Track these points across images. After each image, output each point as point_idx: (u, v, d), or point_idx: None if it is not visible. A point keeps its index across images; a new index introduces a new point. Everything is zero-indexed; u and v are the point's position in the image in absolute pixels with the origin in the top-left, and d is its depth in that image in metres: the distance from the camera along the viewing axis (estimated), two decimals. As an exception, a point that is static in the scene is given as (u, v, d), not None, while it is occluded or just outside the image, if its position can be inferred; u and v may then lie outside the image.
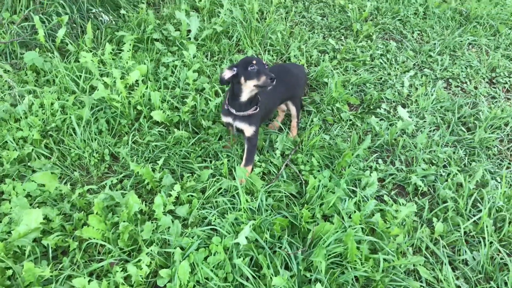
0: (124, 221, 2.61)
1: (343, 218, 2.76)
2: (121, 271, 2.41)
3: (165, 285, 2.43)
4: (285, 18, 5.29)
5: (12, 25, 4.15)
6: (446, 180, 3.20)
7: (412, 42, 5.08)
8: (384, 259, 2.56)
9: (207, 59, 4.30)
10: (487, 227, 2.77)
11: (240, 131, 3.09)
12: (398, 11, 5.66)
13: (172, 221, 2.70)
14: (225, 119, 3.13)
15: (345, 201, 2.88)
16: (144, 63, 3.93)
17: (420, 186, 3.15)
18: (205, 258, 2.52)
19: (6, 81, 3.61)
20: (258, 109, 3.00)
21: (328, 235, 2.54)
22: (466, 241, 2.85)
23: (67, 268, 2.45)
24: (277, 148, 3.36)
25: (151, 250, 2.53)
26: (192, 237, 2.63)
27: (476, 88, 4.40)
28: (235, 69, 2.87)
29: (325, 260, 2.43)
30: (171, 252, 2.56)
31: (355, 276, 2.51)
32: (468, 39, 5.17)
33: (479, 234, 2.84)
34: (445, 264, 2.61)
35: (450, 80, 4.49)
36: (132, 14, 4.64)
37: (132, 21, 4.51)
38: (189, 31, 4.47)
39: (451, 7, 5.76)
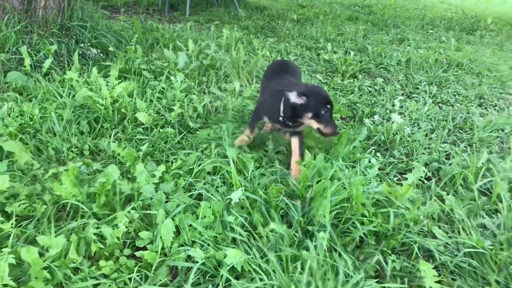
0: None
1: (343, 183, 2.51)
2: (95, 228, 2.09)
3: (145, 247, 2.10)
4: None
5: (-2, 56, 4.15)
6: (450, 165, 3.00)
7: (398, 79, 5.16)
8: (395, 215, 2.27)
9: (196, 85, 4.26)
10: (502, 190, 2.52)
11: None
12: (381, 63, 5.84)
13: (156, 190, 2.42)
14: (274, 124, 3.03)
15: (346, 171, 2.65)
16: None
17: (424, 171, 2.94)
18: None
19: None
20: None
21: (330, 186, 2.28)
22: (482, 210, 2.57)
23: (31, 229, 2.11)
24: (268, 145, 3.17)
25: (129, 212, 2.23)
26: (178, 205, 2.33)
27: (466, 107, 4.36)
28: (304, 98, 2.63)
29: (328, 210, 2.14)
30: (153, 219, 2.25)
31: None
32: (453, 75, 5.29)
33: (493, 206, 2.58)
34: (463, 220, 2.31)
35: (440, 104, 4.48)
36: (120, 52, 4.70)
37: (120, 58, 4.55)
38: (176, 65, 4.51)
39: (432, 59, 5.97)
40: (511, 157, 3.00)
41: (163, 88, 3.92)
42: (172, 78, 4.00)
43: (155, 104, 3.52)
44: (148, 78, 4.24)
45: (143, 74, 4.27)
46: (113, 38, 5.23)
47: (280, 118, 2.80)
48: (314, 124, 2.69)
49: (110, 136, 3.11)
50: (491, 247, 2.15)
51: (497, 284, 2.00)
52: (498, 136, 3.59)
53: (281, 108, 2.76)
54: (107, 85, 3.72)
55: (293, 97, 2.62)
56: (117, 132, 3.21)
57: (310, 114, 2.65)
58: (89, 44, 4.58)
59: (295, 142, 2.91)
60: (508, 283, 2.00)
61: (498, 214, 2.47)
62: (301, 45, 6.99)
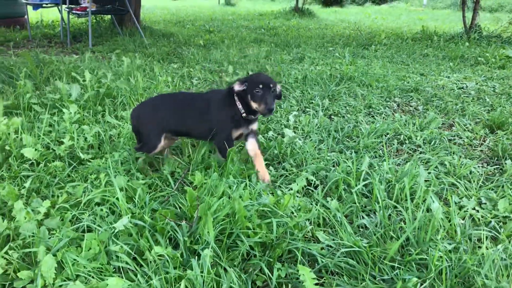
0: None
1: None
2: (-35, 274, 1.98)
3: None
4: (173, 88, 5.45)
5: None
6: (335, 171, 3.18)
7: (295, 95, 5.40)
8: (278, 225, 2.37)
9: (91, 115, 4.18)
10: (379, 191, 2.72)
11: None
12: (279, 81, 6.09)
13: (38, 227, 2.34)
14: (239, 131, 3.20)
15: (235, 186, 2.72)
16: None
17: (312, 180, 3.09)
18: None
19: None
20: None
21: (214, 203, 2.34)
22: (362, 211, 2.75)
23: None
24: (165, 170, 3.18)
25: (7, 253, 2.13)
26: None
27: (356, 117, 4.66)
28: (245, 84, 2.99)
29: (211, 227, 2.19)
30: (33, 257, 2.17)
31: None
32: (344, 87, 5.64)
33: (374, 206, 2.77)
34: (344, 225, 2.46)
35: (332, 116, 4.74)
36: (8, 88, 4.51)
37: (7, 94, 4.36)
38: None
39: (327, 74, 6.33)
40: (387, 159, 3.25)
41: (54, 121, 3.81)
42: (64, 110, 3.90)
43: (43, 138, 3.41)
44: (39, 112, 4.10)
45: (34, 108, 4.12)
46: (2, 74, 5.01)
47: (244, 115, 3.07)
48: (253, 105, 2.97)
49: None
50: (367, 245, 2.30)
51: (373, 278, 2.14)
52: (380, 142, 3.87)
53: (239, 106, 3.06)
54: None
55: (237, 86, 2.99)
56: (2, 171, 3.06)
57: (248, 96, 2.96)
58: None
59: (252, 143, 3.19)
60: (382, 275, 2.15)
61: (376, 213, 2.66)
62: (205, 69, 7.10)
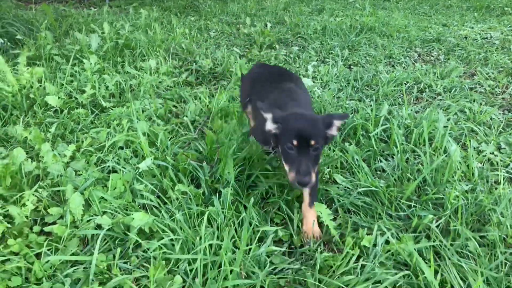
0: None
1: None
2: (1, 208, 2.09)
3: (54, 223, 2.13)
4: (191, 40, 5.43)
5: None
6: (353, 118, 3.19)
7: (314, 46, 5.34)
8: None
9: (111, 66, 4.22)
10: (397, 136, 2.73)
11: None
12: (298, 32, 6.00)
13: (64, 169, 2.43)
14: None
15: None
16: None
17: (331, 126, 3.11)
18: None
19: None
20: None
21: (233, 145, 2.39)
22: (380, 155, 2.78)
23: None
24: (186, 116, 3.23)
25: (37, 191, 2.23)
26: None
27: (376, 66, 4.61)
28: (278, 127, 2.02)
29: (232, 167, 2.25)
30: (62, 196, 2.27)
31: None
32: (364, 37, 5.55)
33: (392, 150, 2.78)
34: (362, 167, 2.49)
35: (351, 66, 4.70)
36: (29, 40, 4.56)
37: (29, 46, 4.41)
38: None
39: (346, 25, 6.20)
40: (407, 106, 3.24)
41: (75, 71, 3.86)
42: (84, 60, 3.94)
43: (65, 87, 3.48)
44: (60, 63, 4.15)
45: (55, 59, 4.17)
46: (23, 26, 5.06)
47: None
48: (283, 163, 2.02)
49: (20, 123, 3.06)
50: (384, 185, 2.34)
51: (389, 216, 2.19)
52: (400, 90, 3.84)
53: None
54: (16, 72, 3.64)
55: (269, 124, 2.04)
56: (27, 118, 3.15)
57: (279, 148, 2.05)
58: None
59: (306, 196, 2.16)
60: (398, 213, 2.20)
61: (394, 157, 2.68)
62: (222, 21, 7.02)
